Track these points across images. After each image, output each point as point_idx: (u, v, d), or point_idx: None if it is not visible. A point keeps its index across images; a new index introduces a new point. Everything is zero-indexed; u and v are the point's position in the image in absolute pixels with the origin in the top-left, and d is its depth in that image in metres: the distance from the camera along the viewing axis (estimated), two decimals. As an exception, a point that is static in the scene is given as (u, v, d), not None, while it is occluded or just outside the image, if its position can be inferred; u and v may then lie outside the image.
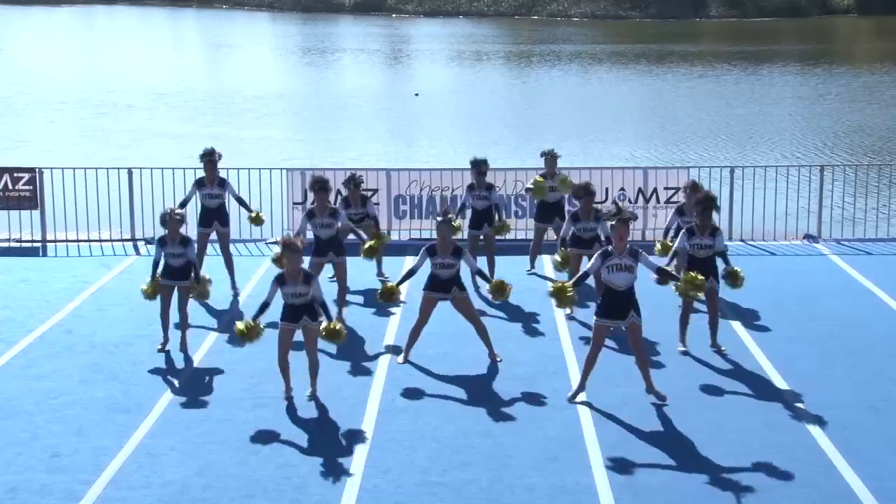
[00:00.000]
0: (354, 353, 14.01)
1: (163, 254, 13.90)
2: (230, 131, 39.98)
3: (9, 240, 19.63)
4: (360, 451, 11.14)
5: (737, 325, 14.97)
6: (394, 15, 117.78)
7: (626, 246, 12.01)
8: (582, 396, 12.37)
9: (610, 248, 12.14)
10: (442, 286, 13.39)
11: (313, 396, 12.47)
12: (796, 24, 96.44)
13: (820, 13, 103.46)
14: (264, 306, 12.33)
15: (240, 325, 12.47)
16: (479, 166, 16.75)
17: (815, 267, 18.11)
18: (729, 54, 71.09)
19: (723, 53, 72.05)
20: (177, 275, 13.91)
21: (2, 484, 10.45)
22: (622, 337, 14.43)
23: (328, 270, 15.63)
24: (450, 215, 13.72)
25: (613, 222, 12.16)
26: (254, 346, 13.76)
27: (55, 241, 19.73)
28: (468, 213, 16.94)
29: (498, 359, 13.60)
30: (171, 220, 13.81)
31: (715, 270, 13.70)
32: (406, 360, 13.65)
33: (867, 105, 46.90)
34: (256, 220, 16.68)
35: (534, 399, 12.50)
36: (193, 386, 12.97)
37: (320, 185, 14.84)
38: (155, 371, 13.45)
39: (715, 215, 13.93)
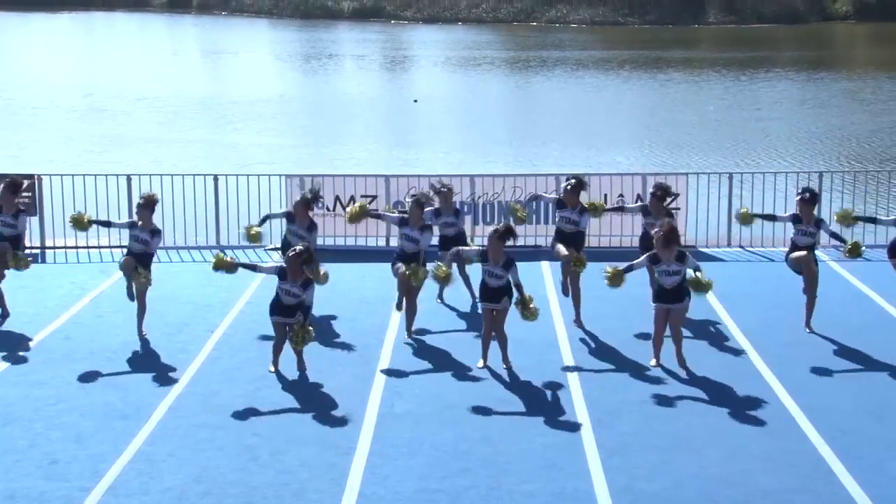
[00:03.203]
0: (353, 361, 14.03)
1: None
2: (230, 137, 40.07)
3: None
4: (359, 457, 11.13)
5: (735, 331, 14.99)
6: (392, 21, 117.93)
7: (499, 256, 13.38)
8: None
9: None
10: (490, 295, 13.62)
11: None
12: (794, 30, 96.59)
13: (818, 19, 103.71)
14: (254, 267, 14.19)
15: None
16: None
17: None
18: (726, 60, 71.23)
19: (720, 59, 72.16)
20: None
21: (0, 491, 10.45)
22: (620, 344, 14.51)
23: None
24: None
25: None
26: (251, 353, 13.86)
27: (54, 247, 19.74)
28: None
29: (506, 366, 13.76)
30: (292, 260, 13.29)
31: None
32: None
33: (864, 111, 47.00)
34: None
35: (532, 405, 12.52)
36: (192, 392, 12.97)
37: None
38: (153, 377, 13.46)
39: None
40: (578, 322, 15.23)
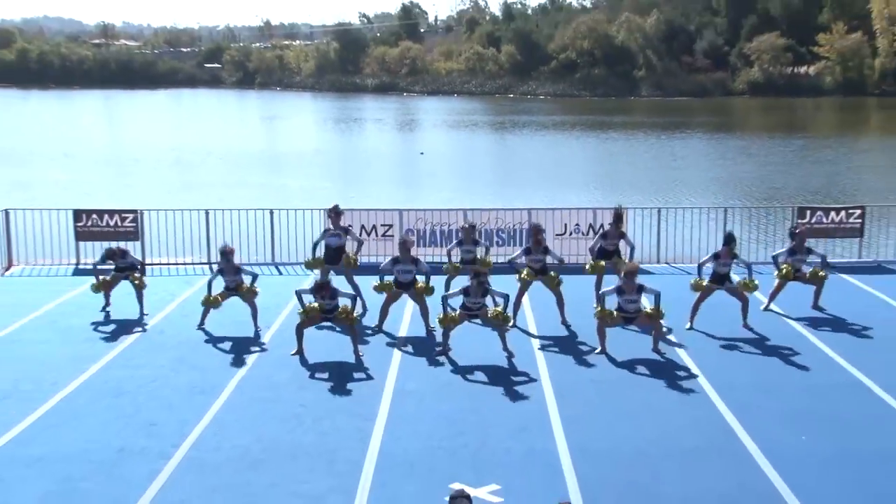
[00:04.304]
0: (373, 351, 13.96)
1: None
2: (279, 181, 40.10)
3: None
4: (379, 423, 11.10)
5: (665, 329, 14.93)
6: (404, 94, 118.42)
7: (478, 291, 13.34)
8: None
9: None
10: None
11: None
12: (704, 102, 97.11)
13: (722, 94, 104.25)
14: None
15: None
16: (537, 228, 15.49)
17: (721, 283, 18.07)
18: (652, 124, 71.48)
19: (647, 123, 72.41)
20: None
21: (114, 446, 10.44)
22: (577, 338, 14.46)
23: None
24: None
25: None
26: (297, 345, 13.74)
27: (151, 264, 19.62)
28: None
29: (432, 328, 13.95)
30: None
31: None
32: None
33: (752, 162, 47.16)
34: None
35: (510, 383, 12.46)
36: (254, 374, 12.92)
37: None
38: (225, 362, 13.40)
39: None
40: (564, 321, 15.00)
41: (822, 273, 15.79)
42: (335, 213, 16.10)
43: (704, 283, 14.94)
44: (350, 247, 16.23)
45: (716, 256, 14.85)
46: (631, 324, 13.78)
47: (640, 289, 13.47)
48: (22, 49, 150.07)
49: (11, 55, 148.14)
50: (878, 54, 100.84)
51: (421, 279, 14.65)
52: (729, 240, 14.88)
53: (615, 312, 13.58)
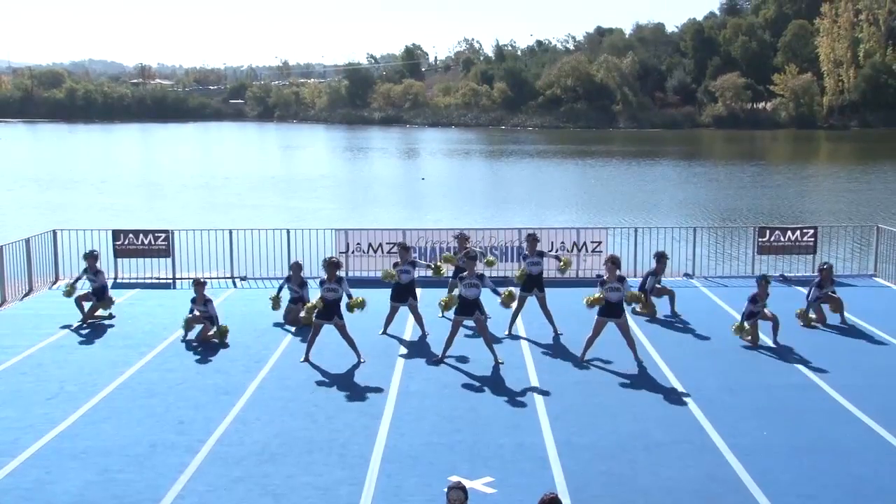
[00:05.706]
0: (380, 355, 13.92)
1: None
2: (293, 203, 40.09)
3: (151, 278, 19.56)
4: (385, 420, 11.05)
5: (639, 333, 14.88)
6: (407, 126, 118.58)
7: (473, 272, 13.13)
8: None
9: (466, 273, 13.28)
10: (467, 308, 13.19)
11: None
12: (674, 133, 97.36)
13: (690, 126, 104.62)
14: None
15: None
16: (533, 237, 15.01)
17: (691, 295, 18.06)
18: (626, 152, 71.59)
19: (623, 152, 72.51)
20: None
21: (146, 441, 10.40)
22: (563, 344, 14.41)
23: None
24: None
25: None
26: (309, 352, 13.66)
27: (181, 278, 19.64)
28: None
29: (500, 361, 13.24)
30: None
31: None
32: (442, 360, 13.37)
33: (715, 187, 47.21)
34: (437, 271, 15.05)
35: (502, 385, 12.42)
36: (272, 377, 12.86)
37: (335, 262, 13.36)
38: (246, 365, 13.35)
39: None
40: (556, 333, 14.73)
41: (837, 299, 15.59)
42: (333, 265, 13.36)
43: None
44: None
45: (602, 282, 13.39)
46: (611, 319, 13.47)
47: (622, 279, 13.20)
48: (70, 88, 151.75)
49: (61, 94, 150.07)
50: (826, 93, 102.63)
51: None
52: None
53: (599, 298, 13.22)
